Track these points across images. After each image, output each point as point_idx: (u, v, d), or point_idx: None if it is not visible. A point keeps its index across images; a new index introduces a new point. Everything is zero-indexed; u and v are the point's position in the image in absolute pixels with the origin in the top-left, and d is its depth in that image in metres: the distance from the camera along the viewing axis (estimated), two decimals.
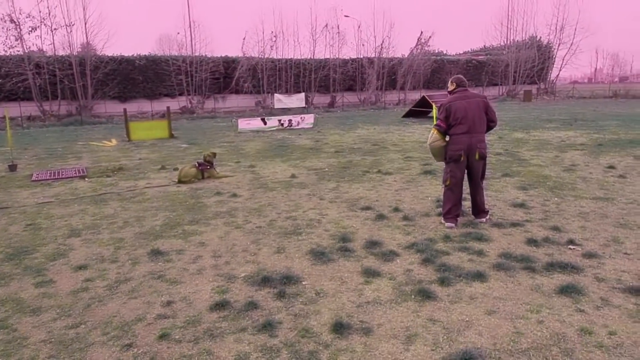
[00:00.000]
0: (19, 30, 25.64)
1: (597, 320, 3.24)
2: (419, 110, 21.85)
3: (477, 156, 5.33)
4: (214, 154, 9.08)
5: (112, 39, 62.54)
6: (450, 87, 5.55)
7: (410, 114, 22.70)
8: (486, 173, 5.85)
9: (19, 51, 25.85)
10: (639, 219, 5.48)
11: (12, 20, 25.46)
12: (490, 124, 5.48)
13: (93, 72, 27.19)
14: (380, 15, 51.44)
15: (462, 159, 5.32)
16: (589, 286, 3.76)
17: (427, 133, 5.69)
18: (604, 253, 4.45)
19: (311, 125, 19.13)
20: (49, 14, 26.79)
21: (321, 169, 9.43)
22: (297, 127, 18.85)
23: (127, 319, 3.43)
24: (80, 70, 26.80)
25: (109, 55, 28.66)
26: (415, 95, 32.77)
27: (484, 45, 47.49)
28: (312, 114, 21.03)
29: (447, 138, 5.46)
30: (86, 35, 28.33)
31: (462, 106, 5.25)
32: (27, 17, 26.22)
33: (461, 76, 5.56)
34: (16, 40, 25.71)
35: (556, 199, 6.52)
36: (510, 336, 3.07)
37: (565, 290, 3.66)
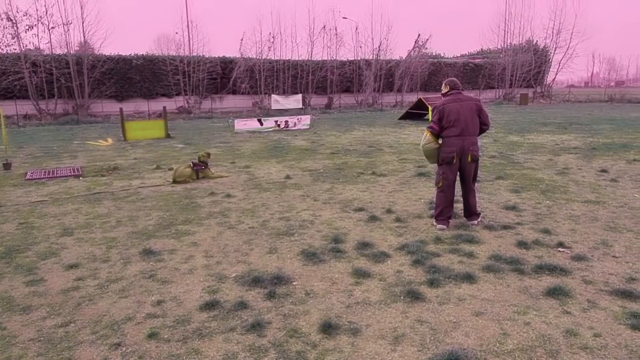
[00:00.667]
0: (15, 28, 25.54)
1: (583, 322, 3.27)
2: (416, 113, 21.92)
3: (469, 158, 5.36)
4: (208, 154, 9.08)
5: (110, 38, 62.65)
6: (444, 89, 5.58)
7: (406, 116, 22.76)
8: (480, 176, 5.90)
9: (15, 49, 25.77)
10: (629, 222, 5.53)
11: (8, 18, 25.36)
12: (483, 127, 5.51)
13: (90, 71, 27.12)
14: (378, 17, 51.57)
15: (454, 161, 5.36)
16: (576, 288, 3.79)
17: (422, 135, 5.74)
18: (592, 256, 4.48)
19: (308, 127, 19.15)
20: (46, 13, 26.75)
21: (316, 170, 9.45)
22: (293, 128, 18.86)
23: (117, 318, 3.44)
24: (77, 69, 26.72)
25: (106, 54, 28.60)
26: (412, 98, 32.86)
27: (481, 49, 47.71)
28: (309, 115, 21.05)
29: (440, 140, 5.50)
30: (83, 34, 28.28)
31: (456, 109, 5.29)
32: (24, 15, 26.14)
33: (455, 79, 5.59)
34: (13, 38, 25.62)
35: (548, 202, 6.56)
36: (496, 337, 3.10)
37: (553, 293, 3.69)
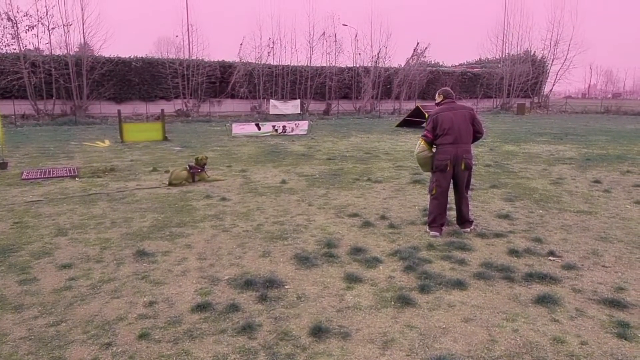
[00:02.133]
0: (15, 28, 25.59)
1: (570, 330, 3.31)
2: (413, 120, 22.03)
3: (462, 166, 5.42)
4: (206, 158, 9.15)
5: (110, 40, 62.54)
6: (438, 98, 5.66)
7: (404, 124, 22.87)
8: (474, 184, 5.96)
9: (15, 49, 25.80)
10: (620, 232, 5.58)
11: (9, 19, 25.41)
12: (477, 134, 5.58)
13: (89, 73, 27.15)
14: (378, 25, 51.73)
15: (448, 168, 5.41)
16: (565, 297, 3.83)
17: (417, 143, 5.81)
18: (582, 265, 4.53)
19: (305, 132, 19.21)
20: (47, 13, 26.82)
21: (312, 175, 9.50)
22: (291, 134, 18.91)
23: (109, 318, 3.45)
24: (76, 70, 26.75)
25: (106, 56, 28.66)
26: (410, 105, 32.99)
27: (480, 58, 48.00)
28: (306, 121, 21.10)
29: (434, 148, 5.56)
30: (83, 36, 28.35)
31: (449, 117, 5.36)
32: (24, 16, 26.19)
33: (448, 88, 5.70)
34: (12, 38, 25.64)
35: (541, 211, 6.62)
36: (484, 343, 3.13)
37: (542, 301, 3.73)
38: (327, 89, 34.60)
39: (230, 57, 34.20)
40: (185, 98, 30.55)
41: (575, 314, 3.54)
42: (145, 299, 3.77)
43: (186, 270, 4.39)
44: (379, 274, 4.30)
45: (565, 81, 59.33)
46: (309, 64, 34.27)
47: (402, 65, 37.82)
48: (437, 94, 5.71)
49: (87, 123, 24.52)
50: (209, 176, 8.98)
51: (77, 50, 29.00)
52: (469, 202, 5.80)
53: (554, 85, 44.42)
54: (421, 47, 37.63)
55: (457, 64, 49.27)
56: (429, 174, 5.85)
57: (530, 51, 42.70)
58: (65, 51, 27.34)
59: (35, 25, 26.70)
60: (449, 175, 5.46)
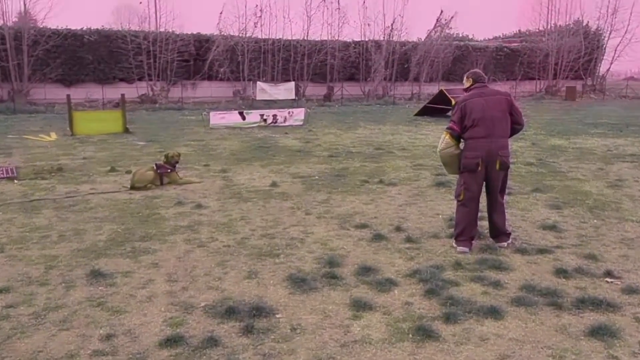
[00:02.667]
0: None
1: None
2: (436, 108, 22.11)
3: (497, 166, 5.44)
4: (178, 155, 9.19)
5: (57, 8, 62.35)
6: (467, 83, 5.70)
7: (424, 112, 22.97)
8: (512, 187, 5.98)
9: None
10: None
11: None
12: (516, 126, 5.61)
13: (31, 49, 27.26)
14: None
15: (479, 168, 5.43)
16: (626, 328, 3.85)
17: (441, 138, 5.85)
18: None
19: (301, 122, 19.32)
20: None
21: (310, 176, 9.55)
22: (283, 124, 19.01)
23: (56, 355, 3.47)
24: (16, 45, 26.84)
25: (52, 28, 28.76)
26: (432, 89, 33.12)
27: (519, 30, 48.21)
28: (303, 108, 21.22)
29: (462, 144, 5.58)
30: (24, 3, 28.46)
31: (480, 105, 5.38)
32: None
33: (478, 70, 5.75)
34: None
35: (595, 221, 6.65)
36: None
37: (597, 332, 3.75)
38: (329, 69, 34.73)
39: (207, 29, 34.24)
40: (151, 80, 30.66)
41: (638, 350, 3.56)
42: (101, 331, 3.79)
43: (153, 295, 4.42)
44: (393, 300, 4.32)
45: (627, 58, 59.26)
46: (305, 38, 34.40)
47: (423, 39, 37.97)
48: (465, 78, 5.75)
49: (29, 111, 24.60)
50: (181, 177, 9.03)
51: (16, 20, 29.07)
52: (505, 210, 5.83)
53: (612, 63, 44.58)
54: (446, 17, 37.85)
55: (490, 37, 49.58)
56: (456, 175, 5.88)
57: (582, 21, 42.88)
58: (2, 22, 27.43)
59: None
60: (481, 176, 5.48)
